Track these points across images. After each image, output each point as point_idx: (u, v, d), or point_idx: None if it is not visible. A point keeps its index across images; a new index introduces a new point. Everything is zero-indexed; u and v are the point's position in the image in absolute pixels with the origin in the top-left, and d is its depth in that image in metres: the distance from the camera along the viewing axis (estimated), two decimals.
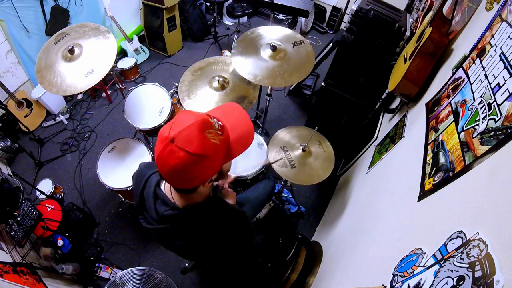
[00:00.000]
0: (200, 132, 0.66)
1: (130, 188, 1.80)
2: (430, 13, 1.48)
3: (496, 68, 0.85)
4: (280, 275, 1.71)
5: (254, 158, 1.85)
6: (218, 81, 1.85)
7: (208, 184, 0.78)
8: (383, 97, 2.24)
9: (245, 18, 4.28)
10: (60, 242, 1.82)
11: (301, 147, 1.64)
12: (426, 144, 1.13)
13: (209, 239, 0.87)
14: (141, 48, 3.49)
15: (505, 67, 0.80)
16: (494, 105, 0.79)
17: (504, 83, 0.78)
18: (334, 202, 2.28)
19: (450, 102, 1.09)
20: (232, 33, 3.98)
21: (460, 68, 1.12)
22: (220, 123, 0.73)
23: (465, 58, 1.12)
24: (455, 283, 0.60)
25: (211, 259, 1.06)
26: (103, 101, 3.09)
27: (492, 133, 0.75)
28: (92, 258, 1.97)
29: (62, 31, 1.77)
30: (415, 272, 0.76)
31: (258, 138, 1.96)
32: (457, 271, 0.61)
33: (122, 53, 3.45)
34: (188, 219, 0.83)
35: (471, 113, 0.90)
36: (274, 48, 1.71)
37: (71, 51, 1.66)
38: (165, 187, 0.86)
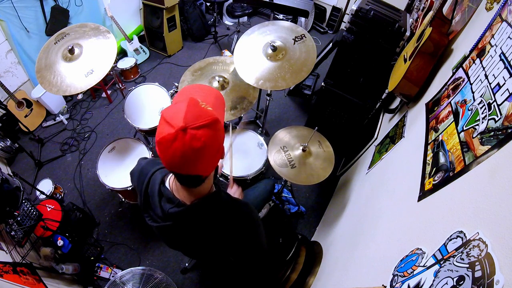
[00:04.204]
0: (198, 106, 0.68)
1: (130, 188, 1.80)
2: (430, 13, 1.48)
3: (496, 68, 0.85)
4: (280, 275, 1.71)
5: (254, 158, 1.85)
6: (218, 81, 1.86)
7: (223, 155, 0.79)
8: (383, 97, 2.24)
9: (245, 18, 4.28)
10: (60, 242, 1.82)
11: (301, 147, 1.64)
12: (426, 144, 1.13)
13: (216, 232, 0.87)
14: (141, 48, 3.49)
15: (505, 67, 0.80)
16: (494, 105, 0.79)
17: (504, 83, 0.78)
18: (334, 202, 2.28)
19: (450, 102, 1.09)
20: (232, 33, 3.98)
21: (460, 68, 1.12)
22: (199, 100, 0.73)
23: (465, 58, 1.12)
24: (455, 283, 0.60)
25: (217, 255, 1.06)
26: (103, 101, 3.09)
27: (492, 133, 0.75)
28: (92, 258, 1.97)
29: (62, 31, 1.77)
30: (415, 272, 0.76)
31: (258, 138, 1.96)
32: (457, 271, 0.61)
33: (122, 53, 3.45)
34: (194, 215, 0.83)
35: (471, 113, 0.90)
36: (274, 48, 1.71)
37: (71, 51, 1.66)
38: (170, 184, 0.86)
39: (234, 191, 1.32)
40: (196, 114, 0.65)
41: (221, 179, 1.84)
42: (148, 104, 2.01)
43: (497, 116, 0.76)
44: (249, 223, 0.93)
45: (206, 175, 0.76)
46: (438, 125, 1.11)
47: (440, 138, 1.03)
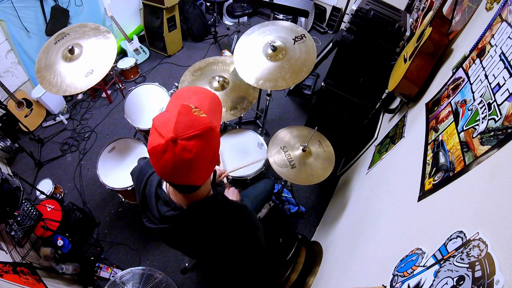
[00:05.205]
0: (190, 115, 0.64)
1: (130, 188, 1.80)
2: (430, 13, 1.48)
3: (496, 68, 0.85)
4: (280, 275, 1.71)
5: (254, 158, 1.85)
6: (218, 81, 1.86)
7: (219, 163, 0.77)
8: (383, 97, 2.24)
9: (245, 18, 4.28)
10: (60, 242, 1.82)
11: (301, 147, 1.64)
12: (426, 144, 1.13)
13: (214, 235, 0.87)
14: (141, 48, 3.49)
15: (505, 67, 0.80)
16: (494, 105, 0.79)
17: (504, 83, 0.78)
18: (334, 202, 2.28)
19: (450, 102, 1.09)
20: (232, 33, 3.98)
21: (460, 68, 1.12)
22: (190, 104, 0.70)
23: (465, 58, 1.12)
24: (455, 283, 0.60)
25: (216, 256, 1.06)
26: (103, 101, 3.09)
27: (492, 133, 0.75)
28: (92, 258, 1.97)
29: (62, 31, 1.77)
30: (415, 272, 0.76)
31: (258, 138, 1.96)
32: (457, 271, 0.61)
33: (122, 53, 3.45)
34: (191, 218, 0.82)
35: (471, 113, 0.90)
36: (274, 48, 1.71)
37: (71, 51, 1.66)
38: (166, 186, 0.86)
39: (231, 192, 1.31)
40: (187, 124, 0.62)
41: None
42: (148, 104, 2.01)
43: (497, 116, 0.76)
44: (246, 227, 0.92)
45: (200, 184, 0.73)
46: (438, 125, 1.11)
47: (440, 138, 1.03)
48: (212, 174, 0.81)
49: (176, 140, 0.60)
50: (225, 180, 1.47)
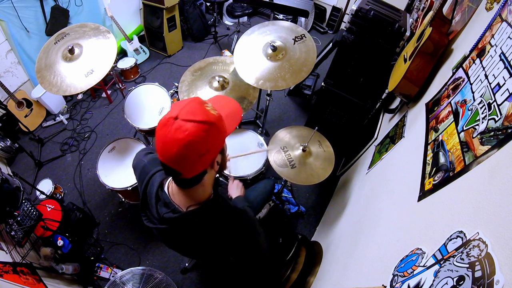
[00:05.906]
0: (200, 105, 0.70)
1: (130, 188, 1.80)
2: (430, 13, 1.48)
3: (496, 68, 0.85)
4: (280, 275, 1.72)
5: (254, 158, 1.85)
6: (218, 81, 1.86)
7: (216, 167, 0.79)
8: (383, 97, 2.24)
9: (245, 18, 4.28)
10: (60, 242, 1.82)
11: (301, 147, 1.64)
12: (426, 144, 1.13)
13: (212, 239, 0.87)
14: (141, 48, 3.49)
15: (505, 67, 0.80)
16: (494, 105, 0.79)
17: (504, 83, 0.78)
18: (334, 202, 2.28)
19: (450, 102, 1.09)
20: (232, 33, 3.98)
21: (460, 68, 1.12)
22: (209, 104, 0.75)
23: (465, 58, 1.12)
24: (455, 283, 0.60)
25: (214, 257, 1.07)
26: (103, 101, 3.09)
27: (492, 133, 0.75)
28: (92, 258, 1.97)
29: (62, 31, 1.77)
30: (415, 272, 0.76)
31: (258, 138, 1.96)
32: (457, 271, 0.61)
33: (122, 53, 3.45)
34: (189, 222, 0.82)
35: (471, 113, 0.90)
36: (274, 48, 1.71)
37: (71, 51, 1.66)
38: (168, 188, 0.86)
39: (235, 185, 1.31)
40: (192, 109, 0.67)
41: (221, 179, 1.84)
42: (148, 104, 2.01)
43: (497, 116, 0.76)
44: (246, 232, 0.92)
45: (187, 177, 0.73)
46: (438, 125, 1.11)
47: (440, 138, 1.03)
48: (214, 176, 0.82)
49: (177, 118, 0.66)
50: (230, 172, 1.45)
